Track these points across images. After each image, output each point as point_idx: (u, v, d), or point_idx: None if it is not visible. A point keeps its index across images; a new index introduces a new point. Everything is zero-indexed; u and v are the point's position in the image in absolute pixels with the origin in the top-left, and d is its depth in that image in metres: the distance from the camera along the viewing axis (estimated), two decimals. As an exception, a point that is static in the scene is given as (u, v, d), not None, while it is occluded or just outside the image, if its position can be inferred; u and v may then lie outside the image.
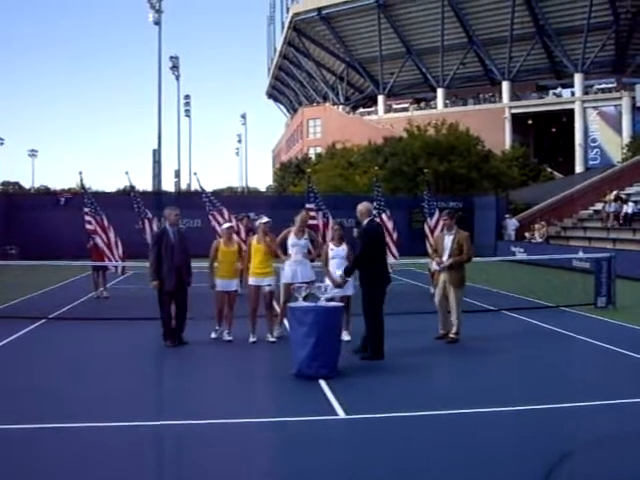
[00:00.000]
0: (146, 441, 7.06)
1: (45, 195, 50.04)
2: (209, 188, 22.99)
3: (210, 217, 18.76)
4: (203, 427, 7.36)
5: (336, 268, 11.95)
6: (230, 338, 12.14)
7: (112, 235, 18.05)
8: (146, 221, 19.12)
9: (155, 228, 18.01)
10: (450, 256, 12.22)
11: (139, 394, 8.89)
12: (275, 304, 12.50)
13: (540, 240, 35.00)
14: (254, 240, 12.34)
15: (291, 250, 12.35)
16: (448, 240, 12.36)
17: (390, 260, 12.67)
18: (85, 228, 18.39)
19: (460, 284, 12.26)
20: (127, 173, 21.46)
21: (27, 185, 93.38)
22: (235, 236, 14.78)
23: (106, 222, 18.13)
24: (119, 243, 18.13)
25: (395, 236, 18.69)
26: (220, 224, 17.37)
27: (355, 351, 10.83)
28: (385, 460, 6.35)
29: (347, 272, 11.10)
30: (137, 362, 10.89)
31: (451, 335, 12.14)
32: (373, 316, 10.69)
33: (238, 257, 12.49)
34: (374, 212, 13.31)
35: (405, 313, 14.85)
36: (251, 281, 12.21)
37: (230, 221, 17.18)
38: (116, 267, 18.38)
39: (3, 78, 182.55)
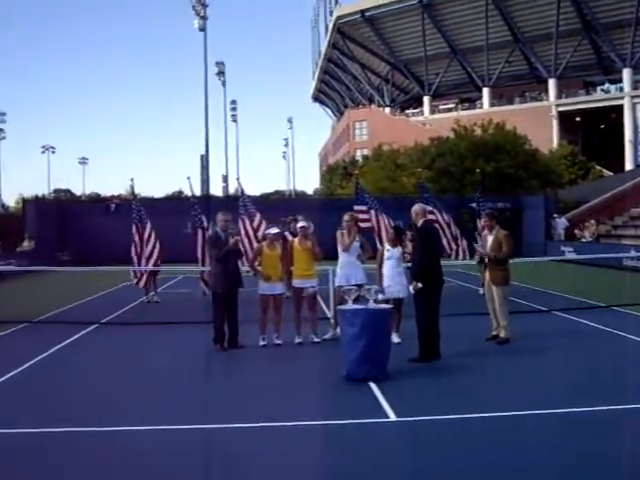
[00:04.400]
0: (195, 445, 7.12)
1: (95, 202, 50.82)
2: (257, 192, 23.12)
3: (239, 221, 18.81)
4: (253, 430, 7.40)
5: (390, 269, 12.00)
6: (280, 342, 12.20)
7: (149, 246, 18.22)
8: (199, 230, 19.17)
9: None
10: None
11: (188, 398, 8.97)
12: (325, 307, 12.52)
13: (590, 239, 34.52)
14: (296, 242, 12.43)
15: (341, 253, 12.39)
16: (489, 239, 12.30)
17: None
18: (134, 234, 18.65)
19: (502, 282, 12.11)
20: (189, 178, 21.62)
21: (78, 192, 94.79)
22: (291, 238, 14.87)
23: (147, 231, 18.28)
24: (154, 255, 18.29)
25: (454, 232, 18.77)
26: (246, 229, 17.46)
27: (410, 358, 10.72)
28: (436, 463, 6.34)
29: (418, 277, 10.83)
30: (187, 366, 10.98)
31: (501, 335, 12.05)
32: (426, 318, 10.66)
33: (281, 261, 12.53)
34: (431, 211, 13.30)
35: (455, 315, 14.76)
36: (295, 283, 12.31)
37: (260, 228, 17.19)
38: (136, 277, 18.58)
39: (54, 88, 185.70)
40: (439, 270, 10.98)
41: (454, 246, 18.89)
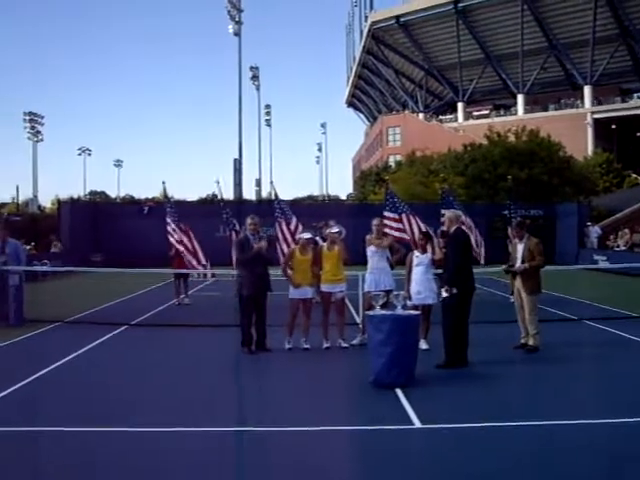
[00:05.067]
0: (221, 447, 7.17)
1: (129, 204, 51.26)
2: (289, 196, 23.22)
3: (276, 224, 18.89)
4: (279, 434, 7.43)
5: (420, 275, 12.00)
6: (308, 346, 12.22)
7: (195, 242, 18.35)
8: (233, 233, 19.26)
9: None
10: (522, 263, 12.06)
11: (215, 400, 9.02)
12: (354, 312, 12.51)
13: (624, 248, 34.16)
14: (325, 247, 12.46)
15: (371, 259, 12.42)
16: (520, 248, 12.20)
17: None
18: (167, 237, 18.75)
19: (533, 291, 12.04)
20: (218, 182, 21.76)
21: (113, 194, 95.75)
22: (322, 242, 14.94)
23: (183, 228, 18.49)
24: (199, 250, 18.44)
25: (479, 239, 18.69)
26: (283, 233, 17.48)
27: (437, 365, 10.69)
28: (461, 471, 6.33)
29: (451, 283, 10.76)
30: (214, 368, 11.05)
31: (530, 344, 11.97)
32: (455, 324, 10.64)
33: (313, 266, 12.56)
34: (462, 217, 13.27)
35: (484, 322, 14.69)
36: (323, 287, 12.34)
37: (296, 231, 17.23)
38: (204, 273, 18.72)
39: (91, 91, 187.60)
40: (471, 277, 10.96)
41: (477, 250, 18.81)
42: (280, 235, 17.37)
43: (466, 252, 11.11)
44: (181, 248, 18.28)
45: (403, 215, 17.17)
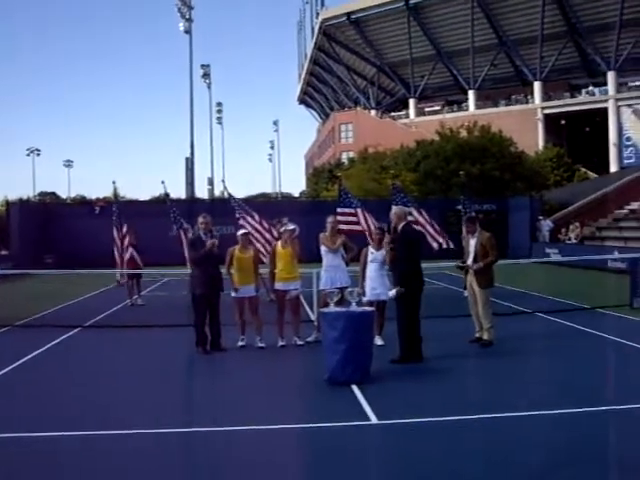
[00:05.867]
0: (176, 449, 7.09)
1: (81, 205, 50.58)
2: (242, 194, 23.08)
3: (241, 220, 18.77)
4: (234, 434, 7.39)
5: (374, 271, 12.00)
6: (262, 345, 12.17)
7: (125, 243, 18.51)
8: (182, 232, 19.13)
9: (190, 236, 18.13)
10: (475, 258, 12.12)
11: (169, 401, 8.94)
12: (308, 309, 12.49)
13: (575, 241, 34.65)
14: (279, 245, 12.40)
15: (325, 256, 12.40)
16: (472, 243, 12.27)
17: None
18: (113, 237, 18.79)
19: (486, 285, 12.12)
20: (163, 182, 21.76)
21: (63, 195, 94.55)
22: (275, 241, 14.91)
23: (124, 229, 18.58)
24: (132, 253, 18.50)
25: (437, 227, 18.70)
26: (255, 227, 17.36)
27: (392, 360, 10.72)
28: (417, 466, 6.33)
29: (400, 281, 10.80)
30: (169, 369, 10.95)
31: (484, 338, 12.06)
32: (407, 320, 10.67)
33: (255, 263, 12.49)
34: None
35: (439, 317, 14.78)
36: (277, 286, 12.28)
37: (261, 224, 17.17)
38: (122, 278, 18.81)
39: (38, 90, 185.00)
40: (420, 273, 10.97)
41: (440, 239, 18.77)
42: (251, 228, 17.26)
43: (415, 249, 11.07)
44: (115, 250, 18.39)
45: (358, 210, 17.19)
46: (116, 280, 19.53)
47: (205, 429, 7.59)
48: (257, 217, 17.99)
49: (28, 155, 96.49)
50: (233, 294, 12.29)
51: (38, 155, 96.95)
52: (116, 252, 18.74)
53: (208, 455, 6.88)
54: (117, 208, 19.21)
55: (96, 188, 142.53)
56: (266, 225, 17.19)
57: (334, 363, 9.35)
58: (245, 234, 12.72)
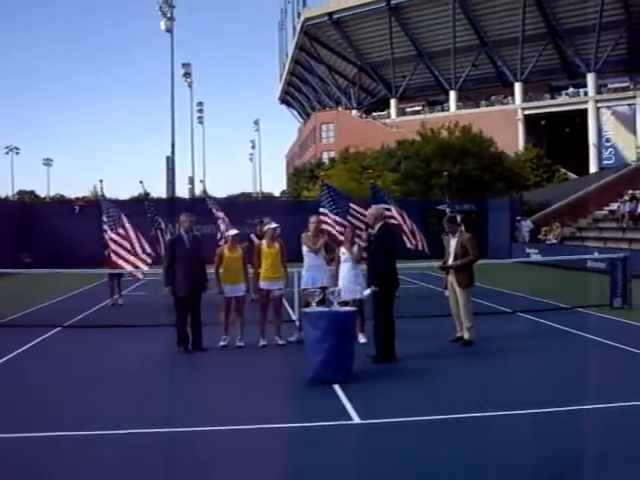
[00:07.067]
0: (157, 449, 7.05)
1: (60, 204, 50.23)
2: (223, 194, 23.05)
3: (219, 222, 18.75)
4: (217, 434, 7.36)
5: (347, 271, 12.01)
6: (242, 344, 12.14)
7: (137, 240, 17.70)
8: (158, 231, 19.03)
9: (168, 236, 17.96)
10: (456, 258, 12.15)
11: (151, 401, 8.89)
12: (290, 309, 12.47)
13: (555, 241, 34.82)
14: (264, 245, 12.36)
15: (307, 256, 12.38)
16: (453, 243, 12.30)
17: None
18: (104, 236, 18.38)
19: (466, 285, 12.15)
20: (142, 182, 21.56)
21: (42, 194, 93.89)
22: (257, 240, 14.93)
23: (128, 227, 17.82)
24: (145, 246, 17.73)
25: (415, 229, 18.73)
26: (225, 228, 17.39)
27: (371, 356, 10.73)
28: (400, 465, 6.33)
29: (376, 281, 10.77)
30: (150, 369, 10.90)
31: (465, 337, 12.08)
32: (383, 319, 10.68)
33: (244, 263, 12.46)
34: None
35: (420, 316, 14.82)
36: (262, 285, 12.24)
37: (229, 226, 17.17)
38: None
39: (18, 87, 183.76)
40: (395, 273, 10.96)
41: (413, 241, 18.83)
42: (223, 227, 17.28)
43: (391, 249, 11.04)
44: (120, 250, 17.72)
45: (337, 211, 17.24)
46: (132, 275, 18.29)
47: (186, 429, 7.54)
48: (227, 219, 18.05)
49: (7, 153, 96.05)
50: (223, 293, 12.24)
51: (17, 153, 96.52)
52: (122, 251, 17.71)
53: (189, 455, 6.84)
54: (107, 207, 18.61)
55: (76, 187, 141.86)
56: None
57: (317, 363, 9.33)
58: (236, 235, 12.66)
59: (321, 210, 17.21)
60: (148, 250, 17.31)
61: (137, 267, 16.73)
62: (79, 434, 7.32)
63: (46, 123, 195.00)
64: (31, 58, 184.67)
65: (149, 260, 17.04)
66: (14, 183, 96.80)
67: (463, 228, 17.21)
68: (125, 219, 17.60)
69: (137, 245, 17.33)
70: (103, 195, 22.12)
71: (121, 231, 17.42)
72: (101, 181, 44.52)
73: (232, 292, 12.23)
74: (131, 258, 17.40)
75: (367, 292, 10.91)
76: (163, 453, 6.95)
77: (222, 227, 18.69)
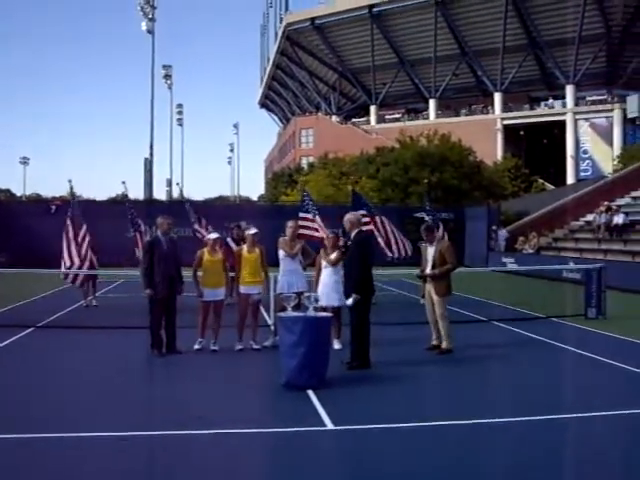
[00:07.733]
0: (131, 452, 6.97)
1: (36, 203, 49.88)
2: (200, 197, 23.02)
3: (196, 226, 18.69)
4: (189, 438, 7.28)
5: (328, 277, 12.00)
6: (216, 348, 12.08)
7: (83, 247, 17.57)
8: (137, 234, 18.92)
9: (147, 238, 17.88)
10: (434, 266, 12.15)
11: (124, 404, 8.78)
12: (265, 314, 12.42)
13: (531, 251, 35.04)
14: (244, 250, 12.32)
15: (283, 261, 12.35)
16: (431, 251, 12.28)
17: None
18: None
19: (444, 293, 12.15)
20: (124, 183, 21.66)
21: (18, 192, 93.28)
22: (234, 245, 14.92)
23: (83, 233, 17.69)
24: (88, 255, 17.67)
25: (397, 234, 18.75)
26: (202, 233, 17.37)
27: (345, 362, 10.72)
28: (372, 472, 6.30)
29: (354, 288, 10.69)
30: (123, 371, 10.77)
31: (442, 346, 12.06)
32: (359, 325, 10.66)
33: (224, 266, 12.41)
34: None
35: (396, 324, 14.81)
36: (242, 289, 12.20)
37: (207, 230, 17.14)
38: (67, 274, 17.70)
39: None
40: (371, 280, 10.94)
41: (393, 250, 18.82)
42: (203, 233, 17.26)
43: (368, 256, 10.99)
44: (64, 247, 17.54)
45: (317, 217, 17.25)
46: (66, 277, 18.19)
47: (159, 432, 7.47)
48: (204, 223, 18.03)
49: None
50: (203, 297, 12.18)
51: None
52: (73, 250, 17.72)
53: (161, 459, 6.79)
54: (79, 206, 18.61)
55: (52, 187, 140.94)
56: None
57: (291, 367, 9.29)
58: (217, 238, 12.61)
59: (301, 215, 17.19)
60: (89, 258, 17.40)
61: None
62: (48, 436, 7.23)
63: (24, 122, 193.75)
64: (8, 57, 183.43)
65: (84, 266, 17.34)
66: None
67: (446, 237, 17.34)
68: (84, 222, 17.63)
69: (83, 250, 17.30)
70: (73, 196, 21.84)
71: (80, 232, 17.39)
72: (70, 181, 44.05)
73: (212, 295, 12.17)
74: (77, 260, 17.33)
75: (350, 301, 10.83)
76: (135, 457, 6.87)
77: (202, 232, 18.52)
